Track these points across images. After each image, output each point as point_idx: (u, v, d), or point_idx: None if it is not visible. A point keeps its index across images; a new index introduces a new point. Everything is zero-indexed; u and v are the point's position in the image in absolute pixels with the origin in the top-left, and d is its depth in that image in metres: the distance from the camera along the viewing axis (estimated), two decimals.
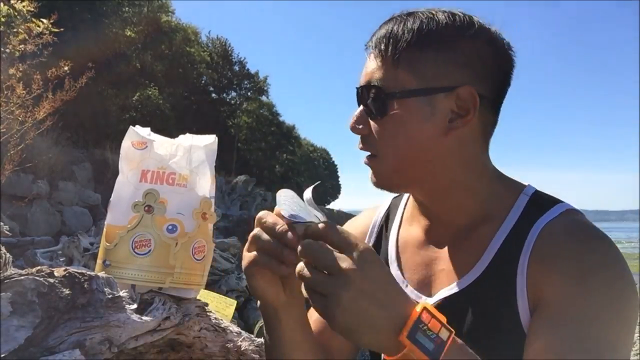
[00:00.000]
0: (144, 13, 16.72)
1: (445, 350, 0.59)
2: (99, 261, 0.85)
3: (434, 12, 0.83)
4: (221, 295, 1.31)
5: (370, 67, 0.84)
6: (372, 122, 0.84)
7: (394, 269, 0.91)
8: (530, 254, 0.77)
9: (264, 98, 29.76)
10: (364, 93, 0.84)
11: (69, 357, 0.61)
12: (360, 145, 0.87)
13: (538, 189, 0.87)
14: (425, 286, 0.87)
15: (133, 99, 16.85)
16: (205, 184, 0.90)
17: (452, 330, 0.61)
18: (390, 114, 0.81)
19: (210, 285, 5.86)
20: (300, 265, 0.64)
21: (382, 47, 0.82)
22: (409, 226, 0.95)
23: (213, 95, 26.47)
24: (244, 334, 0.99)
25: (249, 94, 28.57)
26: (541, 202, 0.83)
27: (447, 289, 0.83)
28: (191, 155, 0.90)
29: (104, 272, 0.80)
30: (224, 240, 8.23)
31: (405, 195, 1.01)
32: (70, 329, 0.64)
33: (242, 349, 0.94)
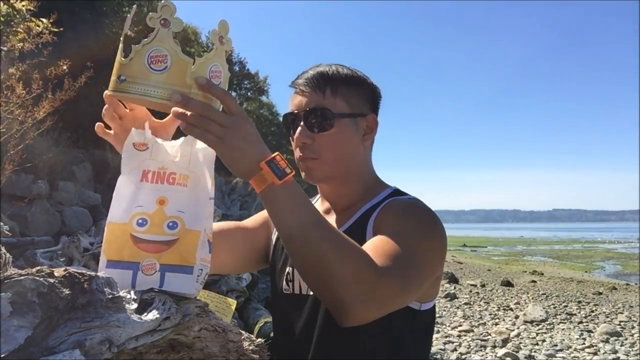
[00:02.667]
0: (144, 13, 16.71)
1: (287, 177, 0.89)
2: (113, 77, 0.83)
3: (345, 65, 1.23)
4: (221, 295, 1.32)
5: (311, 97, 1.18)
6: (315, 135, 1.17)
7: None
8: (377, 212, 1.16)
9: (264, 98, 29.79)
10: (310, 114, 1.16)
11: (69, 357, 0.61)
12: (303, 153, 1.18)
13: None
14: None
15: None
16: (206, 184, 0.91)
17: (293, 170, 0.91)
18: (334, 128, 1.17)
19: (211, 285, 5.86)
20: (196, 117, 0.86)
21: (322, 83, 1.17)
22: (318, 207, 1.35)
23: None
24: (244, 334, 0.99)
25: (249, 94, 28.59)
26: (397, 193, 1.24)
27: None
28: (191, 158, 0.91)
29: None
30: None
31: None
32: (70, 329, 0.64)
33: (242, 349, 0.94)
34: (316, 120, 1.17)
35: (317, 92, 1.18)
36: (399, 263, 0.97)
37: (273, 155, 0.90)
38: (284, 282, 1.28)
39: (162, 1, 0.81)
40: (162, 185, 0.87)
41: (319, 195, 1.38)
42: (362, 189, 1.25)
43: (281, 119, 1.28)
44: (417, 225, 1.10)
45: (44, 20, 5.10)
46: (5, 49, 4.83)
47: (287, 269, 1.27)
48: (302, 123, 1.18)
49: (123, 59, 0.81)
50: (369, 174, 1.28)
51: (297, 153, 1.21)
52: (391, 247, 0.99)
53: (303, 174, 1.23)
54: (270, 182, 0.88)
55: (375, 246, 1.00)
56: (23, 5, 4.93)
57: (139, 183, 0.87)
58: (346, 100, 1.19)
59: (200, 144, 0.93)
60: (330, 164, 1.19)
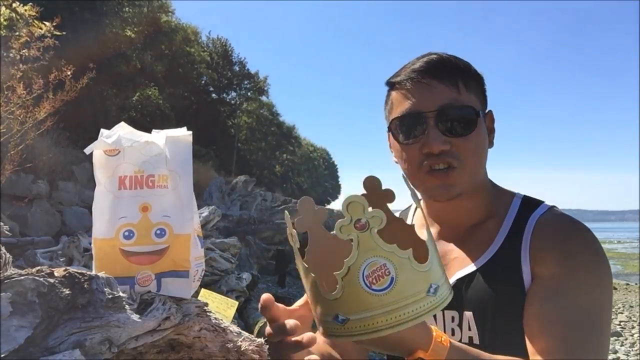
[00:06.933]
0: (144, 13, 16.70)
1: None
2: (324, 318, 0.64)
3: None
4: (222, 296, 1.31)
5: (444, 92, 0.95)
6: (452, 139, 0.94)
7: None
8: (530, 241, 0.94)
9: (264, 98, 29.79)
10: (449, 113, 0.94)
11: (69, 357, 0.61)
12: (437, 163, 0.95)
13: (532, 191, 1.15)
14: None
15: (133, 99, 16.85)
16: (187, 180, 0.87)
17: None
18: (476, 130, 0.96)
19: (210, 286, 5.85)
20: None
21: (453, 76, 0.96)
22: (420, 230, 1.07)
23: (213, 95, 26.48)
24: (244, 334, 0.98)
25: (249, 94, 28.57)
26: (530, 202, 1.03)
27: (462, 271, 0.98)
28: (167, 153, 0.86)
29: (325, 329, 0.66)
30: (224, 240, 8.21)
31: (412, 207, 1.17)
32: (70, 329, 0.64)
33: (242, 349, 0.94)
34: (457, 121, 0.94)
35: (449, 86, 0.95)
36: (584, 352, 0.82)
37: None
38: None
39: (347, 198, 0.61)
40: (142, 190, 0.83)
41: (414, 207, 1.15)
42: (485, 200, 1.04)
43: (395, 121, 0.99)
44: (590, 272, 0.89)
45: (47, 23, 5.11)
46: (11, 54, 4.85)
47: None
48: (434, 124, 0.94)
49: (330, 294, 0.61)
50: (487, 181, 1.07)
51: (426, 162, 0.96)
52: (569, 335, 0.83)
53: (432, 191, 0.99)
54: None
55: (553, 336, 0.83)
56: (25, 10, 4.94)
57: (117, 192, 0.83)
58: (477, 96, 0.99)
59: (173, 135, 0.87)
60: (469, 174, 0.97)
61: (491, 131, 1.04)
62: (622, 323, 9.08)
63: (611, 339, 7.79)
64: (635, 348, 7.37)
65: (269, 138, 30.02)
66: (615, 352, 7.13)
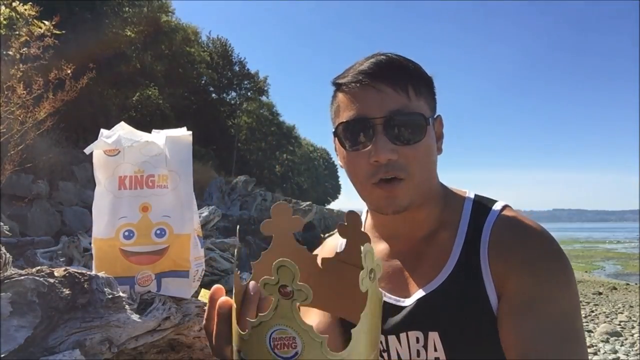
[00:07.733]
0: (144, 13, 16.71)
1: None
2: (234, 347, 0.63)
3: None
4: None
5: (393, 97, 0.90)
6: (399, 148, 0.89)
7: None
8: (488, 250, 0.91)
9: (264, 98, 29.79)
10: (397, 120, 0.89)
11: (69, 357, 0.61)
12: (384, 173, 0.90)
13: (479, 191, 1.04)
14: (401, 291, 0.96)
15: (133, 99, 16.86)
16: (186, 180, 0.87)
17: None
18: (424, 138, 0.91)
19: (210, 286, 5.84)
20: None
21: (403, 80, 0.91)
22: (373, 245, 1.04)
23: (213, 95, 26.48)
24: None
25: (249, 94, 28.57)
26: (482, 204, 0.98)
27: (421, 290, 0.93)
28: (167, 153, 0.86)
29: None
30: (224, 240, 8.22)
31: (364, 212, 1.12)
32: (70, 329, 0.64)
33: None
34: (405, 129, 0.89)
35: (398, 91, 0.90)
36: None
37: None
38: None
39: (279, 261, 0.56)
40: (142, 190, 0.83)
41: (364, 219, 1.10)
42: (437, 208, 1.00)
43: (341, 126, 0.94)
44: (554, 278, 0.87)
45: (46, 22, 5.11)
46: (10, 53, 4.86)
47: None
48: (382, 131, 0.89)
49: (241, 332, 0.60)
50: (438, 188, 1.02)
51: (373, 173, 0.91)
52: (545, 348, 0.80)
53: (377, 203, 0.94)
54: None
55: None
56: (25, 9, 4.95)
57: (117, 192, 0.83)
58: (426, 101, 0.95)
59: (173, 135, 0.87)
60: (417, 184, 0.92)
61: (440, 137, 1.00)
62: (622, 323, 9.07)
63: (611, 339, 7.80)
64: (635, 348, 7.37)
65: (269, 138, 30.02)
66: (615, 352, 7.13)
